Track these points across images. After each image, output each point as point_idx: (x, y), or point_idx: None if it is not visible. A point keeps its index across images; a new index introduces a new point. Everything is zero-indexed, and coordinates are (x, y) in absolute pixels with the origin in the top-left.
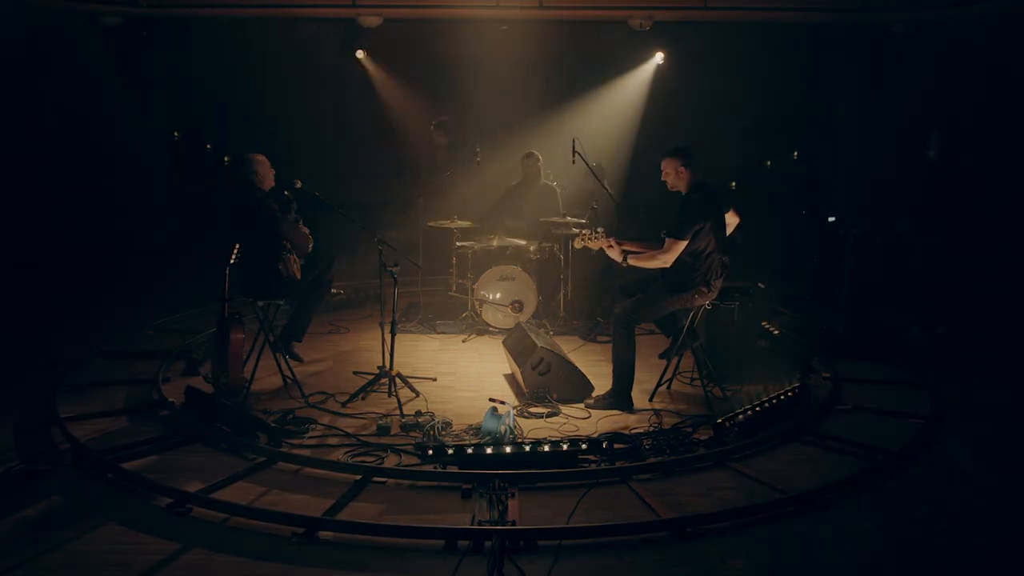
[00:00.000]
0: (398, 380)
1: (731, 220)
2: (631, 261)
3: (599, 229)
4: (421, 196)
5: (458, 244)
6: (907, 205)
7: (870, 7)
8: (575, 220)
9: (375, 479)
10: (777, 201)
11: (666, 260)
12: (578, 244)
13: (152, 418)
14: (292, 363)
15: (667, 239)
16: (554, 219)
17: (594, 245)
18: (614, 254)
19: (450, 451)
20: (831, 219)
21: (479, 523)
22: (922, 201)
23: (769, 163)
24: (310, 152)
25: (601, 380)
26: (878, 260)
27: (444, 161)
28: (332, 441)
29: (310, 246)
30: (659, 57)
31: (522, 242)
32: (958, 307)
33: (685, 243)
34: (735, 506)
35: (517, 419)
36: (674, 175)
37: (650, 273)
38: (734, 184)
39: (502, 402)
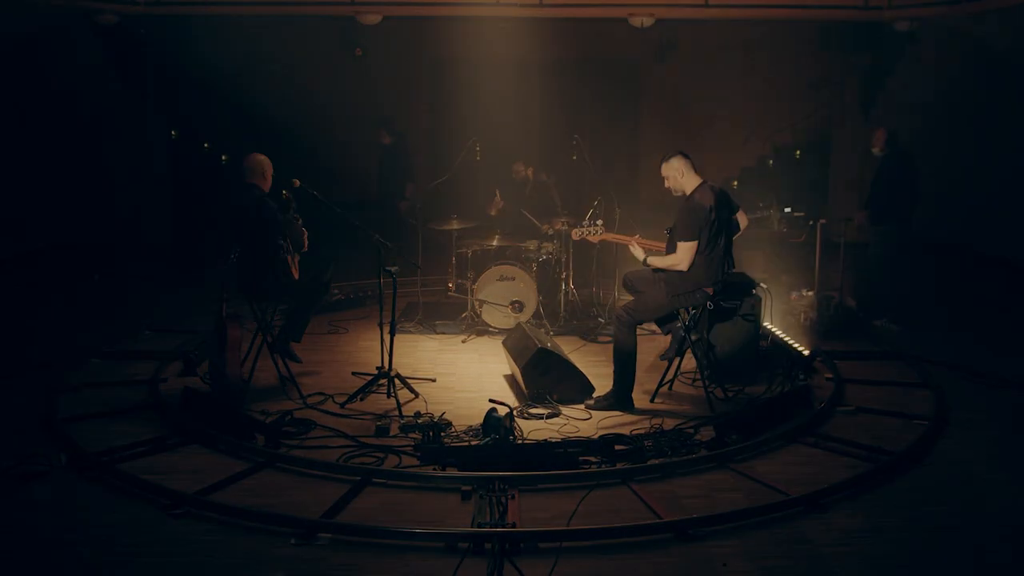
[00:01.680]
0: (397, 381)
1: (741, 220)
2: (651, 261)
3: (598, 222)
4: (420, 196)
5: (457, 244)
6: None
7: (873, 4)
8: (575, 219)
9: (374, 480)
10: (780, 200)
11: (683, 262)
12: (576, 235)
13: (149, 419)
14: (290, 363)
15: (679, 243)
16: (554, 218)
17: (594, 238)
18: (637, 252)
19: (450, 452)
20: (787, 209)
21: (479, 525)
22: (874, 196)
23: (771, 162)
24: (309, 151)
25: (602, 381)
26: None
27: (387, 162)
28: (331, 442)
29: (306, 243)
30: (660, 55)
31: (522, 243)
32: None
33: (696, 243)
34: (737, 508)
35: (517, 420)
36: (675, 179)
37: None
38: (736, 183)
39: (502, 403)
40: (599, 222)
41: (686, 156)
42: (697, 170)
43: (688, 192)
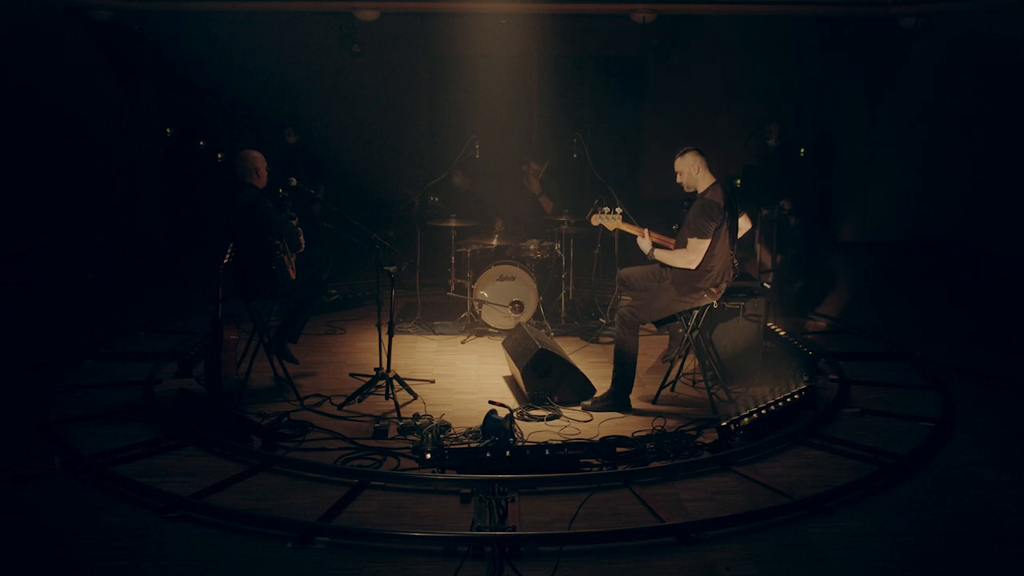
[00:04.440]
0: (395, 382)
1: (743, 224)
2: (657, 256)
3: (617, 209)
4: (419, 194)
5: (457, 243)
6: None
7: (878, 0)
8: (576, 218)
9: (372, 483)
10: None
11: (692, 261)
12: (595, 221)
13: (144, 421)
14: (287, 365)
15: (690, 239)
16: (556, 217)
17: (611, 225)
18: (644, 245)
19: (448, 455)
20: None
21: (478, 528)
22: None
23: (774, 161)
24: (305, 149)
25: (603, 382)
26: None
27: (293, 162)
28: (328, 445)
29: (303, 242)
30: (661, 52)
31: (522, 242)
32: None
33: (708, 242)
34: (740, 511)
35: (517, 422)
36: (689, 175)
37: (651, 267)
38: (738, 182)
39: (502, 404)
40: (618, 210)
41: (701, 153)
42: (710, 168)
43: (700, 190)
